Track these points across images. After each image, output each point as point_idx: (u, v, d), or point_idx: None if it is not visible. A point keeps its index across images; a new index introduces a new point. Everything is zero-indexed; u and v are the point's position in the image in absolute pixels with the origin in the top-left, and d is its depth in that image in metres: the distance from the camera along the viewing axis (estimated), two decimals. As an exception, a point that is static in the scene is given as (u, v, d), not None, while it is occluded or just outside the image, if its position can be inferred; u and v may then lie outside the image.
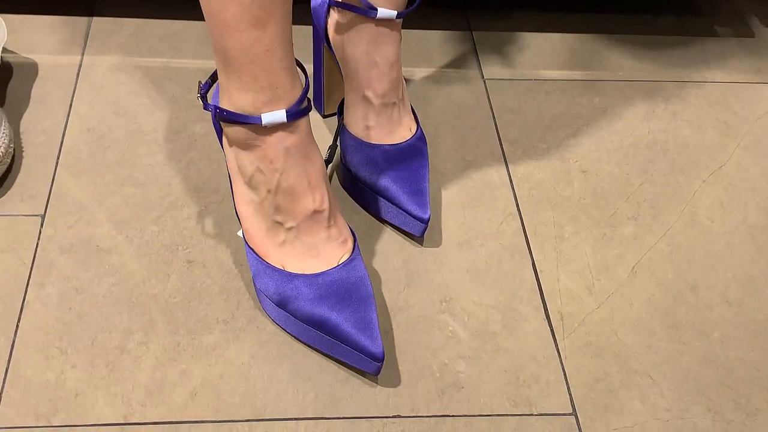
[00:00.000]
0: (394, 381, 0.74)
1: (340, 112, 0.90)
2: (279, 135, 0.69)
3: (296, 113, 0.69)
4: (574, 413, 0.73)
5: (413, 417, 0.71)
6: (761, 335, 0.80)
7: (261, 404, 0.71)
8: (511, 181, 0.93)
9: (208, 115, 0.96)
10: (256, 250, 0.75)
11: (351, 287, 0.74)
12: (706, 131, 1.01)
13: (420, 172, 0.85)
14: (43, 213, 0.84)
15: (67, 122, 0.94)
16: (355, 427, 0.70)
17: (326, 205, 0.74)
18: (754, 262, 0.87)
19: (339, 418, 0.71)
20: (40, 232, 0.83)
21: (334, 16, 0.83)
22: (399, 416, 0.71)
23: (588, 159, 0.96)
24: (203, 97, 0.72)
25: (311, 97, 0.90)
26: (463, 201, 0.90)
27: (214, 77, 0.73)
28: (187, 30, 1.08)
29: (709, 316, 0.81)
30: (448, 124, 0.99)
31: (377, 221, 0.87)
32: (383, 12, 0.79)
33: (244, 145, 0.71)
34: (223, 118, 0.69)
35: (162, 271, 0.81)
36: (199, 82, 0.73)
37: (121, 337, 0.75)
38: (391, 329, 0.78)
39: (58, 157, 0.90)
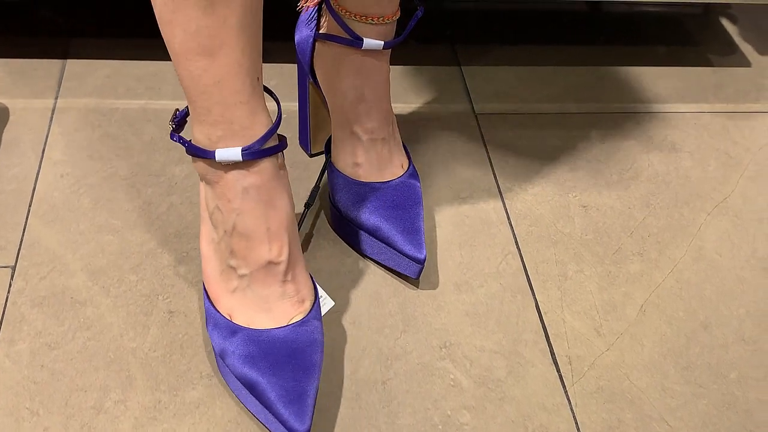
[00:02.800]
0: (394, 435, 0.69)
1: (327, 150, 0.86)
2: (236, 173, 0.65)
3: (255, 153, 0.64)
4: (589, 465, 0.68)
5: (416, 475, 0.66)
6: (781, 374, 0.75)
7: (250, 465, 0.66)
8: (508, 218, 0.88)
9: (189, 157, 0.92)
10: (209, 293, 0.70)
11: (294, 352, 0.67)
12: (708, 162, 0.98)
13: (414, 210, 0.80)
14: (13, 264, 0.79)
15: (39, 168, 0.89)
16: (353, 488, 0.65)
17: (284, 258, 0.68)
18: (767, 298, 0.82)
19: (335, 478, 0.65)
20: (10, 285, 0.77)
21: (319, 49, 0.80)
22: (400, 474, 0.66)
23: (588, 193, 0.92)
24: (176, 125, 0.68)
25: (295, 136, 0.86)
26: (460, 240, 0.85)
27: None
28: (165, 70, 1.04)
29: (725, 355, 0.77)
30: (441, 161, 0.95)
31: (371, 263, 0.82)
32: (370, 42, 0.75)
33: (206, 180, 0.67)
34: (184, 147, 0.66)
35: (141, 322, 0.75)
36: (176, 110, 0.69)
37: (97, 396, 0.69)
38: (389, 379, 0.73)
39: (29, 205, 0.85)
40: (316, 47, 0.80)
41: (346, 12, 0.75)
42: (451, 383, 0.73)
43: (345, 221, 0.82)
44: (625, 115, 1.04)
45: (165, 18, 0.59)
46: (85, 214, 0.85)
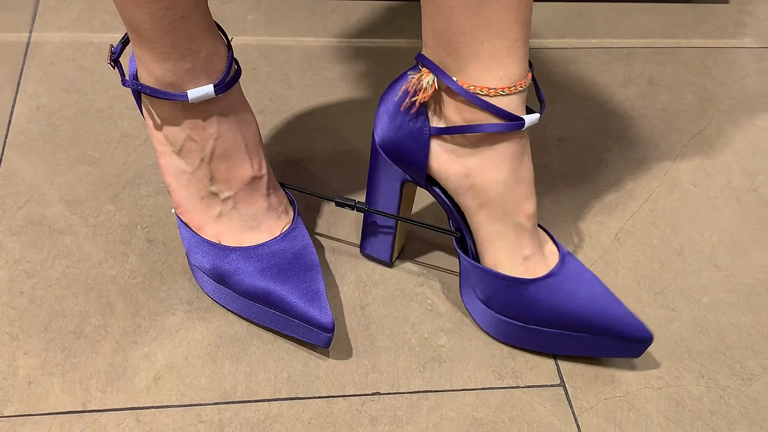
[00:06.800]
0: (372, 357, 0.69)
1: (467, 252, 0.70)
2: (209, 103, 0.65)
3: (225, 85, 0.64)
4: (563, 384, 0.69)
5: (393, 394, 0.67)
6: (752, 299, 0.77)
7: (230, 386, 0.67)
8: (486, 149, 0.89)
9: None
10: (189, 224, 0.70)
11: (294, 257, 0.69)
12: (685, 96, 0.98)
13: (613, 305, 0.68)
14: (-10, 194, 0.79)
15: (15, 101, 0.89)
16: (332, 407, 0.66)
17: (264, 171, 0.70)
18: (740, 226, 0.83)
19: (314, 397, 0.66)
20: (-13, 214, 0.77)
21: (442, 146, 0.65)
22: (378, 393, 0.67)
23: (565, 127, 0.93)
24: (117, 65, 0.65)
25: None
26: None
27: (126, 39, 0.66)
28: (141, 5, 1.03)
29: (697, 281, 0.78)
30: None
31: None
32: (530, 119, 0.62)
33: (171, 114, 0.65)
34: (145, 94, 0.65)
35: (120, 251, 0.76)
36: (111, 46, 0.66)
37: (77, 321, 0.70)
38: (367, 304, 0.73)
39: (5, 137, 0.85)
40: (431, 145, 0.66)
41: (489, 89, 0.61)
42: (429, 308, 0.74)
43: (507, 325, 0.70)
44: (603, 50, 1.04)
45: None
46: (62, 145, 0.84)
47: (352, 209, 0.72)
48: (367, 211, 0.72)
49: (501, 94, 0.61)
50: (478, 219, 0.67)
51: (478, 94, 0.61)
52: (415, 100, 0.63)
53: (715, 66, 1.03)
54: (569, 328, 0.67)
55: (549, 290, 0.67)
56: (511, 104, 0.62)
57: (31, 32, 0.98)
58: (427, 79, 0.62)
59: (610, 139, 0.92)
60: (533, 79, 0.64)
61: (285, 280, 0.68)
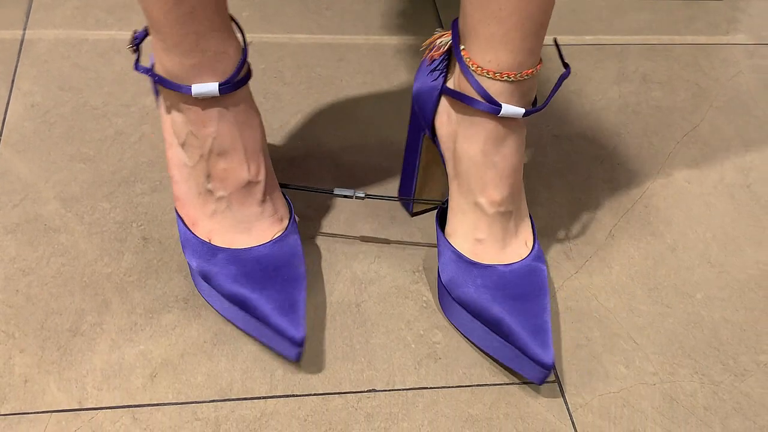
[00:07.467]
0: (368, 354, 0.70)
1: (440, 221, 0.75)
2: (212, 101, 0.65)
3: (232, 86, 0.64)
4: (558, 380, 0.69)
5: (389, 391, 0.67)
6: (746, 295, 0.77)
7: (226, 383, 0.67)
8: (481, 147, 0.89)
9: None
10: (184, 218, 0.71)
11: (279, 265, 0.68)
12: (678, 93, 0.99)
13: (540, 303, 0.69)
14: (-15, 192, 0.79)
15: (9, 98, 0.89)
16: (328, 404, 0.66)
17: (261, 178, 0.69)
18: (734, 222, 0.84)
19: (310, 394, 0.67)
20: (-18, 213, 0.77)
21: (444, 106, 0.70)
22: (374, 390, 0.67)
23: (559, 123, 0.93)
24: (137, 51, 0.67)
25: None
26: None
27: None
28: (135, 1, 1.03)
29: (691, 277, 0.78)
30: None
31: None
32: (508, 109, 0.65)
33: (177, 106, 0.66)
34: (153, 81, 0.66)
35: (115, 249, 0.76)
36: (134, 32, 0.67)
37: (73, 319, 0.70)
38: (363, 301, 0.74)
39: (0, 135, 0.84)
40: (441, 102, 0.70)
41: (478, 67, 0.64)
42: (424, 305, 0.74)
43: (456, 305, 0.70)
44: (596, 47, 1.04)
45: None
46: (57, 143, 0.84)
47: (352, 198, 0.74)
48: (366, 198, 0.74)
49: (485, 76, 0.64)
50: (452, 187, 0.71)
51: (470, 68, 0.64)
52: (431, 55, 0.69)
53: (709, 63, 1.04)
54: (482, 319, 0.68)
55: (483, 277, 0.69)
56: (493, 88, 0.64)
57: (25, 29, 0.97)
58: (444, 39, 0.68)
59: (604, 136, 0.92)
60: (561, 79, 0.67)
61: (264, 288, 0.67)
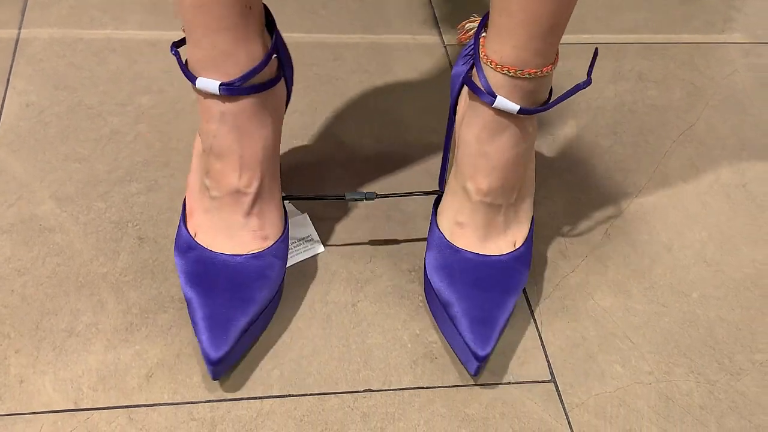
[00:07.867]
0: (364, 354, 0.70)
1: (436, 202, 0.76)
2: (214, 99, 0.65)
3: (234, 90, 0.64)
4: (553, 380, 0.69)
5: (385, 390, 0.67)
6: (741, 294, 0.77)
7: (222, 384, 0.67)
8: (477, 146, 0.89)
9: (157, 86, 0.91)
10: (186, 206, 0.72)
11: (238, 282, 0.67)
12: (674, 92, 0.99)
13: (499, 298, 0.69)
14: (-20, 192, 0.79)
15: (4, 98, 0.88)
16: (324, 404, 0.66)
17: (252, 190, 0.68)
18: (729, 221, 0.84)
19: (306, 394, 0.67)
20: (-23, 212, 0.77)
21: (465, 90, 0.70)
22: (370, 390, 0.67)
23: (555, 122, 0.93)
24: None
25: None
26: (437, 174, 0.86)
27: None
28: (131, 0, 1.03)
29: (686, 276, 0.79)
30: (410, 92, 0.95)
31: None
32: (501, 102, 0.65)
33: (198, 95, 0.67)
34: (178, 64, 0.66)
35: (111, 249, 0.76)
36: None
37: (68, 319, 0.70)
38: (359, 301, 0.73)
39: (-5, 134, 0.84)
40: (463, 87, 0.70)
41: (485, 56, 0.65)
42: (420, 305, 0.74)
43: (429, 283, 0.71)
44: (593, 46, 1.04)
45: None
46: (52, 143, 0.84)
47: (363, 200, 0.75)
48: (377, 198, 0.75)
49: (488, 65, 0.65)
50: (453, 169, 0.73)
51: (479, 55, 0.65)
52: (459, 38, 0.74)
53: (704, 61, 1.04)
54: (440, 299, 0.69)
55: (453, 258, 0.71)
56: (494, 79, 0.65)
57: (20, 29, 0.97)
58: (472, 24, 0.73)
59: (600, 135, 0.92)
60: (575, 88, 0.68)
61: (206, 296, 0.66)
